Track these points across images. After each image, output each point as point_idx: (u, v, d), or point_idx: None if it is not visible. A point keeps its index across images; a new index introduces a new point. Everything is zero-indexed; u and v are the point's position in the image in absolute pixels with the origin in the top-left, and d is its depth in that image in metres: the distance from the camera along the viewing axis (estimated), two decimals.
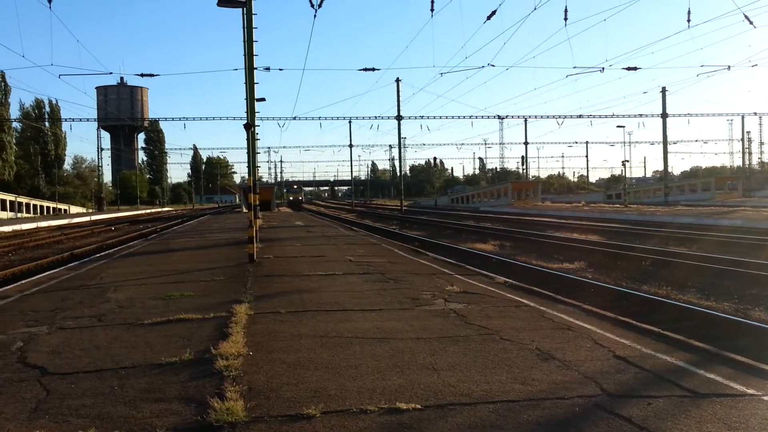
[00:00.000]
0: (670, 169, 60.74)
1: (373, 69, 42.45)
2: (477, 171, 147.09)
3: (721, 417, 4.17)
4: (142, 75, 40.10)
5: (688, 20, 23.71)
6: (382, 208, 68.93)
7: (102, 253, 18.34)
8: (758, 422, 4.09)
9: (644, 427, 4.00)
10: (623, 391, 4.74)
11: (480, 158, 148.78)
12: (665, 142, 54.83)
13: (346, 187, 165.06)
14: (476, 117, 64.51)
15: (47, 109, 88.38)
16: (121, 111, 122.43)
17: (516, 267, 14.48)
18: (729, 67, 40.96)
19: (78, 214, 64.21)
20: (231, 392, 4.65)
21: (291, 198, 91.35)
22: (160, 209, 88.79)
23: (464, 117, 63.79)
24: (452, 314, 7.71)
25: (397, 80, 51.23)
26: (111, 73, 69.17)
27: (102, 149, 76.36)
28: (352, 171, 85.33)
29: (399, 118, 52.83)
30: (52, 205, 68.57)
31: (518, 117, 68.64)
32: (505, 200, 66.12)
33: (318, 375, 5.17)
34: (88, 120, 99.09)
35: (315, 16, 16.67)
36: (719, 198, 60.82)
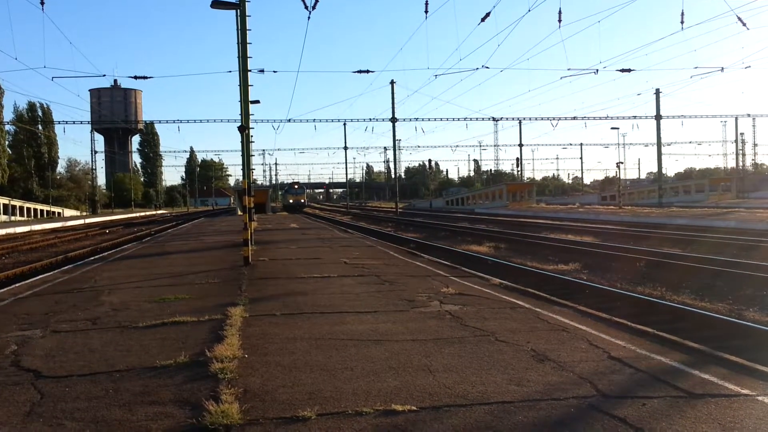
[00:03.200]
0: (664, 171, 60.86)
1: (368, 71, 42.47)
2: (472, 173, 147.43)
3: (715, 417, 4.19)
4: (135, 77, 39.86)
5: (682, 22, 23.85)
6: (378, 211, 69.01)
7: (96, 256, 18.27)
8: (752, 422, 4.11)
9: (639, 428, 4.01)
10: (618, 391, 4.75)
11: (475, 160, 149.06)
12: (659, 144, 55.01)
13: (341, 190, 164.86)
14: (471, 119, 64.84)
15: (40, 112, 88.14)
16: (115, 113, 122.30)
17: (511, 269, 14.49)
18: (722, 68, 41.21)
19: (72, 217, 64.05)
20: (226, 395, 4.64)
21: (291, 201, 74.20)
22: (154, 212, 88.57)
23: (459, 119, 63.93)
24: (447, 316, 7.71)
25: (392, 82, 51.38)
26: (104, 75, 69.33)
27: (96, 152, 76.36)
28: (347, 173, 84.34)
29: (394, 120, 52.88)
30: (45, 208, 68.40)
31: (513, 119, 68.89)
32: (500, 202, 66.20)
33: (313, 377, 5.16)
34: (81, 123, 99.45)
35: (309, 18, 16.73)
36: (713, 199, 61.06)
